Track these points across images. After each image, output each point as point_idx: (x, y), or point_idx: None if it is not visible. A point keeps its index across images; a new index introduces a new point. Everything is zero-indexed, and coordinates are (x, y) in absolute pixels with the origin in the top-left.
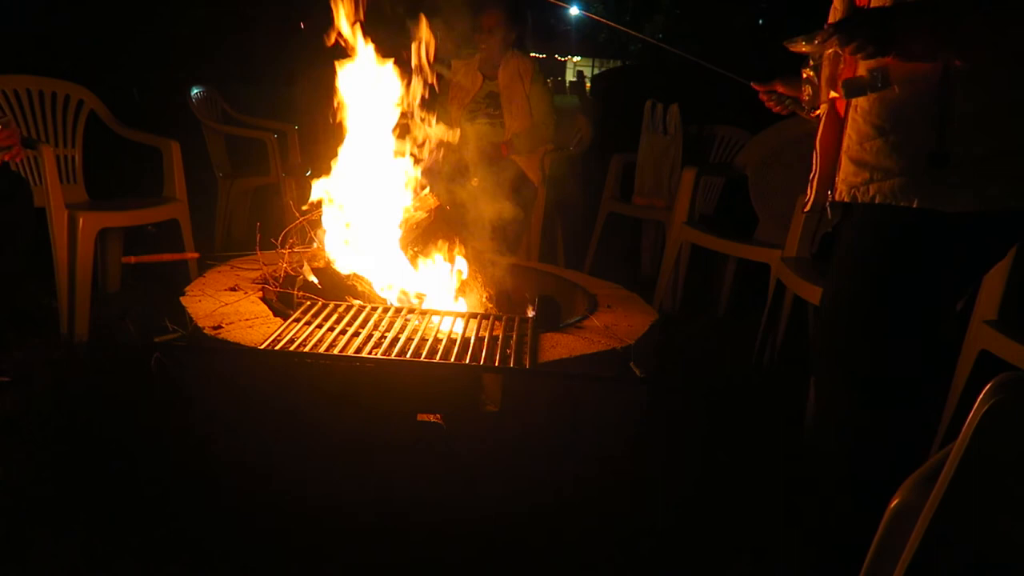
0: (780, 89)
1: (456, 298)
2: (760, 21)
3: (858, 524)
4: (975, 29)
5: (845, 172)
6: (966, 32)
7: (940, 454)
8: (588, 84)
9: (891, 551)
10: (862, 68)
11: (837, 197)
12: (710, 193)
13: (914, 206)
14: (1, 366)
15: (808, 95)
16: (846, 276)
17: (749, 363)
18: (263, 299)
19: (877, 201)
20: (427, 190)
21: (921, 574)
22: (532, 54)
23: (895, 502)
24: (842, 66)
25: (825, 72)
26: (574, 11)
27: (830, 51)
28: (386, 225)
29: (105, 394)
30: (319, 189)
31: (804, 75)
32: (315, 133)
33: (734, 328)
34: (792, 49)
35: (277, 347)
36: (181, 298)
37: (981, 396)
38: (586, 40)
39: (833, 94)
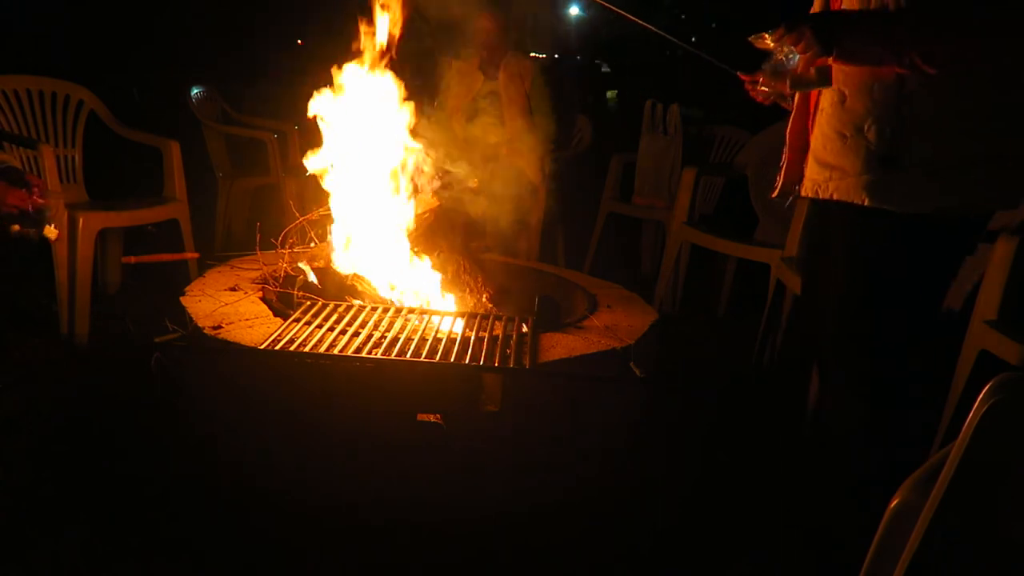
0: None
1: (456, 298)
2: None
3: (858, 524)
4: (916, 44)
5: (811, 170)
6: (905, 45)
7: (940, 454)
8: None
9: (891, 551)
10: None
11: (803, 193)
12: (710, 193)
13: (864, 203)
14: None
15: (767, 86)
16: (840, 275)
17: (749, 363)
18: (263, 299)
19: (835, 198)
20: (427, 191)
21: (921, 574)
22: (532, 54)
23: (895, 502)
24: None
25: (800, 67)
26: (574, 11)
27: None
28: (386, 225)
29: (105, 394)
30: (319, 190)
31: (764, 68)
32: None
33: (734, 328)
34: (758, 45)
35: (277, 347)
36: (181, 298)
37: (981, 396)
38: (586, 39)
39: (783, 87)
